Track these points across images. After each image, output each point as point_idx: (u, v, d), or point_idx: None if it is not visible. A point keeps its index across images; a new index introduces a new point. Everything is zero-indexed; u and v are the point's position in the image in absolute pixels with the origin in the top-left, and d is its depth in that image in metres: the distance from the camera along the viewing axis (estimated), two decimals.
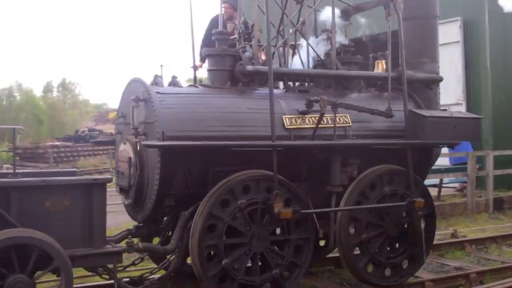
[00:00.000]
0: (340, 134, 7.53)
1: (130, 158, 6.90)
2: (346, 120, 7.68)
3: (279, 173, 6.75)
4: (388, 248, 7.79)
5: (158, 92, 6.84)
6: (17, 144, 13.19)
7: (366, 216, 7.58)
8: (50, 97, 61.47)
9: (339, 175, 7.45)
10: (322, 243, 8.68)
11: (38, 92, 60.15)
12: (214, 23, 9.24)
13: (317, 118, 7.31)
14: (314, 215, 7.28)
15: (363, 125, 7.80)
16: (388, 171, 7.69)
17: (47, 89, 61.52)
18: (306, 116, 7.41)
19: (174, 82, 7.34)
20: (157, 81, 7.45)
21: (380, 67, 8.89)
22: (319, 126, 7.32)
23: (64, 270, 5.73)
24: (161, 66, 7.74)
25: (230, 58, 7.51)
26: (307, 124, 7.40)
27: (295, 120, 7.35)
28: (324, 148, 7.37)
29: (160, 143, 6.44)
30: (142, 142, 6.58)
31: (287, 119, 7.28)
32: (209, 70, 7.63)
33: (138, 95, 6.79)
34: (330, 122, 7.44)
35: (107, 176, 8.14)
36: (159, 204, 6.76)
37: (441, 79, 8.82)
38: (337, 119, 7.45)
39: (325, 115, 7.21)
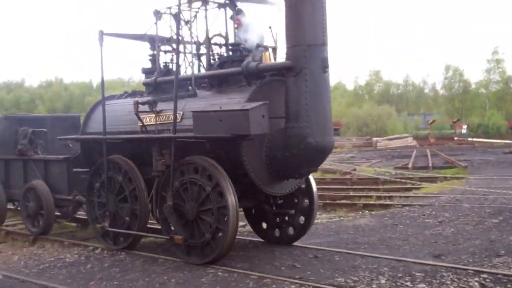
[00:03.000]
0: (165, 128, 9.89)
1: None
2: (177, 116, 9.73)
3: (133, 157, 10.47)
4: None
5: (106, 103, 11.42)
6: None
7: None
8: None
9: (156, 163, 9.90)
10: None
11: None
12: None
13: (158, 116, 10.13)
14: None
15: (190, 121, 9.49)
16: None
17: None
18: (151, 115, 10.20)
19: (126, 95, 11.54)
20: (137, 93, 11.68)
21: (267, 58, 9.61)
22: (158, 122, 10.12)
23: None
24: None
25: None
26: (148, 122, 10.19)
27: (148, 119, 10.25)
28: (139, 140, 10.23)
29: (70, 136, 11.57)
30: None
31: (147, 118, 10.29)
32: None
33: None
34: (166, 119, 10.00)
35: None
36: None
37: (284, 66, 8.86)
38: (164, 116, 9.96)
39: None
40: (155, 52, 10.83)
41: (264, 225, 10.86)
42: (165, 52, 10.81)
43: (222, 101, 9.34)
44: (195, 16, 10.37)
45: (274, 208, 10.37)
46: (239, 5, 10.27)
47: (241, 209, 11.21)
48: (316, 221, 12.73)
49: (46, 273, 9.33)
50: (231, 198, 8.79)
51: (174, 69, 10.71)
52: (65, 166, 12.07)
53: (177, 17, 9.92)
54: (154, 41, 10.83)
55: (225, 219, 8.85)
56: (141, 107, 10.08)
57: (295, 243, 10.30)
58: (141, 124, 10.19)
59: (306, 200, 10.32)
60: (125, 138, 10.44)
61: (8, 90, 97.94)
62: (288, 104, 8.81)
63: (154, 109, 9.90)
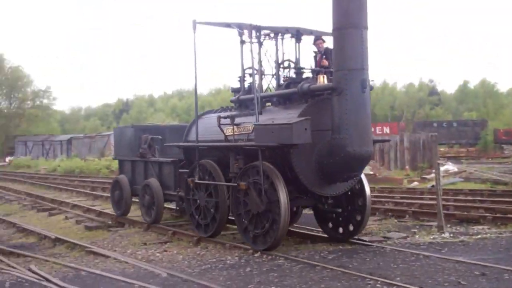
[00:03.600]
0: (240, 138, 12.13)
1: None
2: (249, 128, 11.97)
3: (219, 161, 12.83)
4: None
5: (206, 116, 13.94)
6: None
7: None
8: None
9: (232, 166, 12.16)
10: None
11: None
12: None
13: (237, 128, 12.41)
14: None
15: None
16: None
17: None
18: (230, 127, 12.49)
19: (220, 110, 13.97)
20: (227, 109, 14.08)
21: (321, 80, 11.48)
22: (235, 133, 12.37)
23: None
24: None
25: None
26: (229, 132, 12.46)
27: (229, 130, 12.50)
28: (216, 147, 12.58)
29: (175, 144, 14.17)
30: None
31: (228, 129, 12.58)
32: None
33: None
34: (242, 130, 12.25)
35: None
36: None
37: (328, 87, 10.87)
38: (241, 128, 12.17)
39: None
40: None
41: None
42: (250, 75, 12.95)
43: (282, 116, 11.38)
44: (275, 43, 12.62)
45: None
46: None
47: (308, 208, 13.26)
48: (484, 235, 13.10)
49: (208, 273, 9.86)
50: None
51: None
52: (173, 167, 14.74)
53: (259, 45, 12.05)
54: (242, 28, 12.56)
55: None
56: (223, 120, 12.42)
57: (460, 259, 10.29)
58: (224, 134, 12.47)
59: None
60: (211, 146, 12.81)
61: (180, 98, 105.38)
62: (333, 118, 10.70)
63: (233, 122, 12.14)
